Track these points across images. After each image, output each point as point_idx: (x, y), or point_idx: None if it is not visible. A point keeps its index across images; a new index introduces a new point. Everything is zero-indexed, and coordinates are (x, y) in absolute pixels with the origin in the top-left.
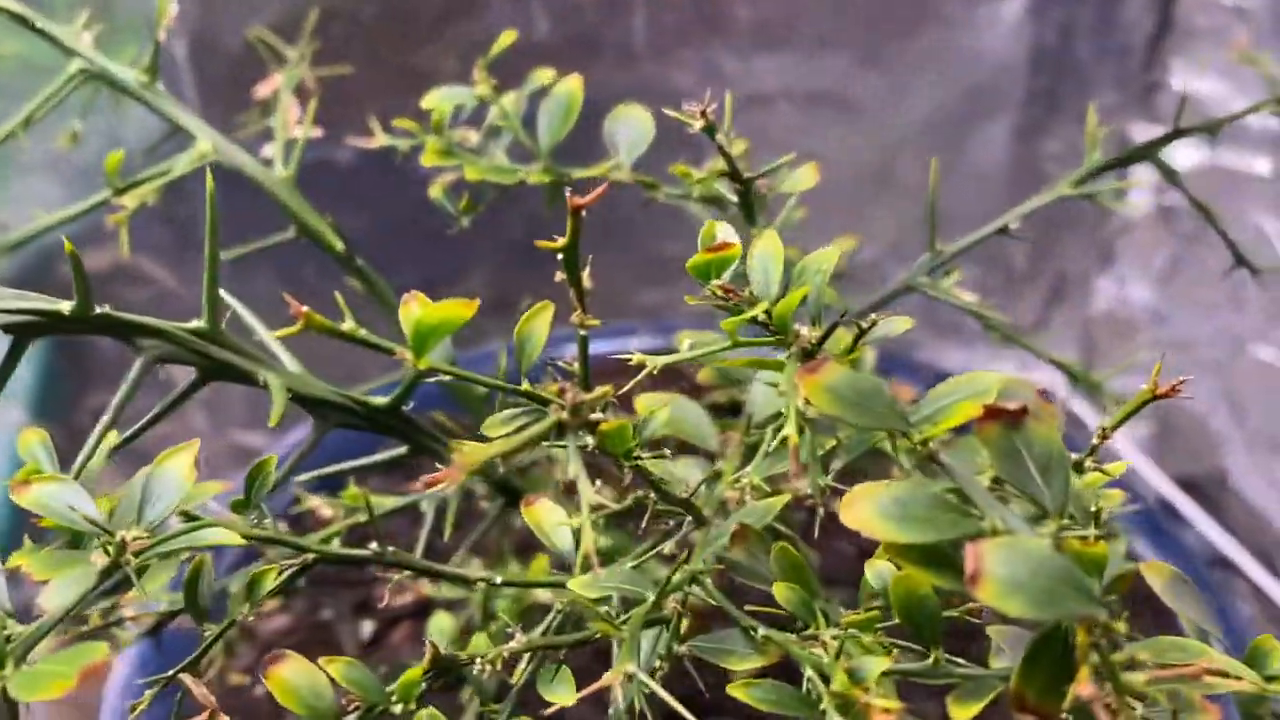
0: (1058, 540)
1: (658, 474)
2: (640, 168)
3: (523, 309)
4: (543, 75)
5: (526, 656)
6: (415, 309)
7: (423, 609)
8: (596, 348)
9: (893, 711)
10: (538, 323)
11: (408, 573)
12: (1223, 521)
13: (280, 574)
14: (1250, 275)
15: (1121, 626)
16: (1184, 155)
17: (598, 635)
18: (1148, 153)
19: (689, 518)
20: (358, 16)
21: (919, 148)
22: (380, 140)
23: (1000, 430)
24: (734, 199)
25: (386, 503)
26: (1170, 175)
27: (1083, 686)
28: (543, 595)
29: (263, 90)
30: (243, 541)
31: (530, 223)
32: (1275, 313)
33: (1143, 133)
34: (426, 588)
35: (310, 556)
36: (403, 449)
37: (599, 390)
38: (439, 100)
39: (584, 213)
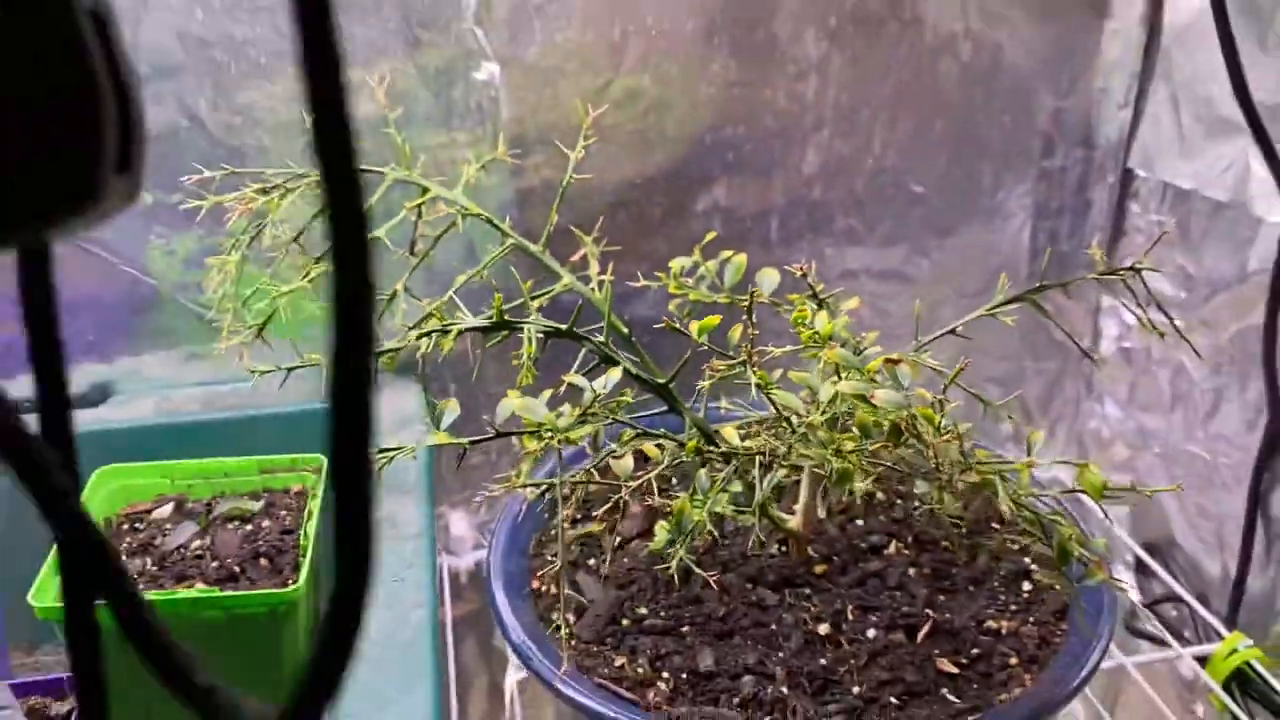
0: (907, 401)
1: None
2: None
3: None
4: (726, 253)
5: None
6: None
7: (648, 530)
8: None
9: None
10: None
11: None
12: (1170, 570)
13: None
14: (1180, 396)
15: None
16: (1129, 315)
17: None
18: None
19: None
20: (617, 221)
21: (954, 305)
22: (641, 283)
23: (891, 367)
24: (817, 307)
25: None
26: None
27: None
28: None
29: (575, 257)
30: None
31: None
32: (1195, 421)
33: (1106, 302)
34: (656, 500)
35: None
36: (665, 407)
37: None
38: (677, 263)
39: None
